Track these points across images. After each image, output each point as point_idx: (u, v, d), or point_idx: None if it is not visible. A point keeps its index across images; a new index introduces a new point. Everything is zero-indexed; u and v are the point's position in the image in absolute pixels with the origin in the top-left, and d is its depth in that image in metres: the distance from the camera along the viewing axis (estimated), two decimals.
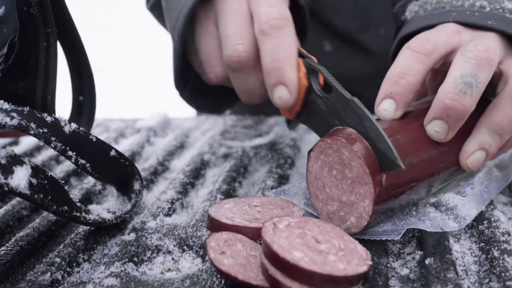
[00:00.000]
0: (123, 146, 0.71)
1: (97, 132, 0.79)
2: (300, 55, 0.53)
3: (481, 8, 0.52)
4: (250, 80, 0.55)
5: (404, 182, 0.45)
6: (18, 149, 0.71)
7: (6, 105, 0.43)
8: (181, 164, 0.64)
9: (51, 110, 0.53)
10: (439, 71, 0.53)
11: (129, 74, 3.43)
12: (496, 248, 0.42)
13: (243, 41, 0.53)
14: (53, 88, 0.53)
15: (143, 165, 0.63)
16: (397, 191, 0.45)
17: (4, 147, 0.71)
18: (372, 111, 0.79)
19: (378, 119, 0.48)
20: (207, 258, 0.43)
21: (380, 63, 0.77)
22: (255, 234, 0.43)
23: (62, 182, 0.44)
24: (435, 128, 0.47)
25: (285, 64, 0.51)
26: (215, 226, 0.45)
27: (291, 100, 0.52)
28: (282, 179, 0.57)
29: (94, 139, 0.47)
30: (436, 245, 0.44)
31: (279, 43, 0.52)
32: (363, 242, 0.44)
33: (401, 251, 0.45)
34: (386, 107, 0.48)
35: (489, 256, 0.43)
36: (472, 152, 0.49)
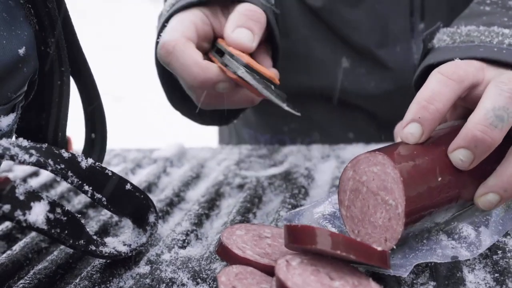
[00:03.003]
0: (140, 177, 0.72)
1: (114, 162, 0.80)
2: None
3: (510, 46, 0.53)
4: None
5: (423, 207, 0.46)
6: (38, 180, 0.73)
7: (25, 142, 0.44)
8: (196, 194, 0.65)
9: (61, 147, 0.55)
10: (458, 103, 0.54)
11: (148, 102, 3.48)
12: (511, 279, 0.42)
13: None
14: (64, 125, 0.54)
15: (159, 196, 0.64)
16: (416, 217, 0.45)
17: (24, 179, 0.73)
18: (386, 128, 0.81)
19: (399, 143, 0.49)
20: None
21: (397, 80, 0.79)
22: (265, 270, 0.43)
23: (79, 215, 0.46)
24: (460, 157, 0.47)
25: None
26: (225, 253, 0.45)
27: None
28: None
29: (110, 174, 0.48)
30: (449, 275, 0.44)
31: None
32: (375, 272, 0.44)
33: (414, 281, 0.45)
34: (413, 131, 0.48)
35: (503, 287, 0.42)
36: (485, 194, 0.48)
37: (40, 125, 0.54)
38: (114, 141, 0.76)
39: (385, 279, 0.44)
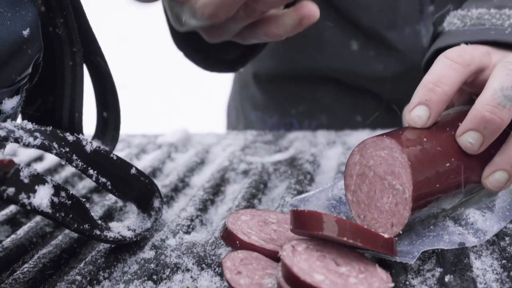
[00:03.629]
0: (145, 162, 0.72)
1: (119, 147, 0.80)
2: None
3: None
4: None
5: (430, 192, 0.45)
6: (42, 165, 0.73)
7: (29, 125, 0.44)
8: (201, 180, 0.65)
9: (78, 127, 0.55)
10: (465, 88, 0.53)
11: (153, 89, 3.48)
12: None
13: None
14: (80, 106, 0.54)
15: (164, 181, 0.64)
16: (423, 202, 0.45)
17: (28, 164, 0.73)
18: (394, 111, 0.81)
19: (406, 127, 0.48)
20: None
21: (405, 63, 0.78)
22: (270, 256, 0.43)
23: (84, 200, 0.45)
24: (469, 139, 0.46)
25: None
26: (230, 239, 0.45)
27: None
28: None
29: (115, 158, 0.48)
30: (456, 262, 0.44)
31: None
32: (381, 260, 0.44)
33: (420, 267, 0.45)
34: (420, 114, 0.47)
35: (511, 274, 0.42)
36: (493, 172, 0.48)
37: (54, 107, 0.54)
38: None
39: (392, 265, 0.44)
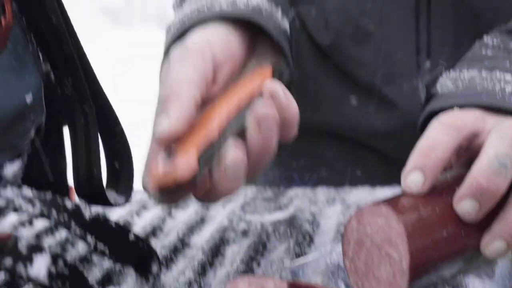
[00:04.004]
0: (145, 220, 0.72)
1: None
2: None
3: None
4: None
5: (429, 261, 0.45)
6: (43, 223, 0.73)
7: (29, 193, 0.44)
8: (201, 240, 0.65)
9: (98, 182, 0.55)
10: (462, 152, 0.54)
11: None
12: None
13: None
14: (98, 162, 0.54)
15: (164, 241, 0.64)
16: (421, 271, 0.45)
17: (30, 221, 0.73)
18: (394, 166, 0.81)
19: (402, 193, 0.49)
20: None
21: (404, 118, 0.79)
22: None
23: (82, 267, 0.45)
24: (466, 207, 0.46)
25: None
26: None
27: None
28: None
29: (113, 225, 0.48)
30: None
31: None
32: None
33: None
34: (415, 180, 0.47)
35: None
36: (492, 241, 0.48)
37: (63, 170, 0.55)
38: None
39: None
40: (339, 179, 0.85)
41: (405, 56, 0.79)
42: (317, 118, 0.84)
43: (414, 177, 0.48)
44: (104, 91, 0.56)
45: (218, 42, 0.52)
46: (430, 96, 0.59)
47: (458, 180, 0.49)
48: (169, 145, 0.45)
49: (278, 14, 0.60)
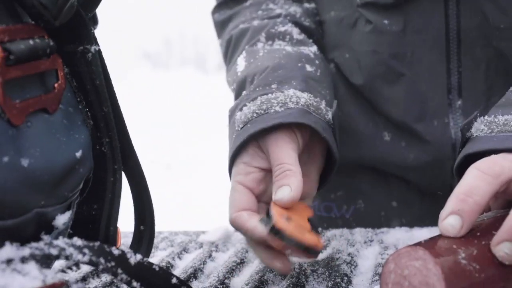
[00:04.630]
0: (186, 262, 0.74)
1: (162, 246, 0.83)
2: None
3: None
4: None
5: None
6: (88, 267, 0.75)
7: (79, 242, 0.47)
8: (241, 282, 0.66)
9: (112, 240, 0.58)
10: (499, 195, 0.54)
11: (193, 170, 3.55)
12: None
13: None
14: (115, 220, 0.57)
15: (205, 284, 0.65)
16: None
17: (77, 264, 0.76)
18: (427, 198, 0.85)
19: (439, 235, 0.49)
20: None
21: (434, 153, 0.82)
22: None
23: None
24: (505, 250, 0.47)
25: None
26: None
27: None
28: None
29: (157, 269, 0.50)
30: None
31: None
32: None
33: None
34: (452, 223, 0.49)
35: None
36: None
37: (93, 219, 0.58)
38: (161, 218, 0.78)
39: None
40: (375, 209, 0.89)
41: (436, 95, 0.81)
42: (353, 153, 0.88)
43: (451, 220, 0.49)
44: (137, 157, 0.60)
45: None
46: (465, 140, 0.60)
47: (496, 223, 0.50)
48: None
49: (323, 106, 0.70)
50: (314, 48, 0.82)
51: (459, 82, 0.80)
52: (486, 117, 0.59)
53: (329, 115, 0.70)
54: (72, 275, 0.70)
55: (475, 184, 0.50)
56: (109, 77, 0.55)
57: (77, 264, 0.77)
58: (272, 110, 0.67)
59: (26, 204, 0.46)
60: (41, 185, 0.47)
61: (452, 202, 0.50)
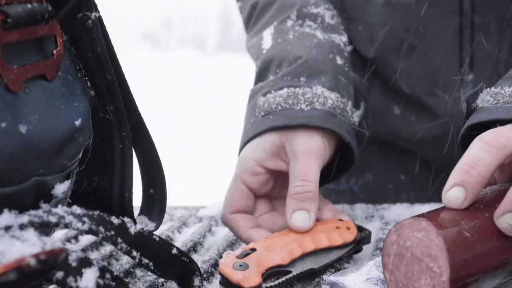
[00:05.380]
0: (186, 236, 0.74)
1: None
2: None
3: None
4: None
5: (469, 275, 0.45)
6: (89, 238, 0.75)
7: (78, 210, 0.46)
8: None
9: (128, 206, 0.58)
10: (505, 167, 0.54)
11: (192, 151, 3.56)
12: None
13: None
14: (130, 186, 0.57)
15: (204, 257, 0.65)
16: (461, 284, 0.45)
17: (76, 237, 0.76)
18: (436, 172, 0.84)
19: (443, 207, 0.49)
20: None
21: (445, 127, 0.82)
22: None
23: (127, 280, 0.47)
24: (508, 221, 0.47)
25: None
26: None
27: None
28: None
29: (157, 239, 0.50)
30: None
31: None
32: None
33: None
34: (456, 195, 0.48)
35: None
36: None
37: (105, 188, 0.57)
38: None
39: None
40: (383, 183, 0.89)
41: (448, 70, 0.81)
42: (363, 127, 0.87)
43: (455, 192, 0.48)
44: (143, 119, 0.59)
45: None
46: (470, 111, 0.59)
47: (500, 196, 0.49)
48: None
49: (349, 108, 0.69)
50: (344, 38, 0.80)
51: (471, 56, 0.80)
52: (492, 88, 0.58)
53: (354, 118, 0.70)
54: (71, 248, 0.69)
55: (479, 156, 0.49)
56: (111, 44, 0.54)
57: (76, 237, 0.77)
58: (298, 107, 0.66)
59: (24, 172, 0.46)
60: (40, 153, 0.46)
61: (456, 174, 0.49)
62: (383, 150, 0.90)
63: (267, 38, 0.78)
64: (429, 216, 0.47)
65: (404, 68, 0.83)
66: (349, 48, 0.80)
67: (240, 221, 0.64)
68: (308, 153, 0.63)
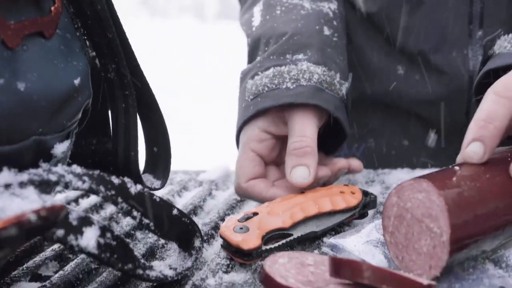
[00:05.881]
0: (186, 199, 0.74)
1: None
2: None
3: None
4: None
5: (469, 235, 0.45)
6: (89, 201, 0.75)
7: (78, 169, 0.46)
8: None
9: (134, 166, 0.57)
10: None
11: (195, 121, 3.54)
12: None
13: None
14: (135, 145, 0.57)
15: (205, 219, 0.65)
16: (462, 245, 0.45)
17: (76, 200, 0.76)
18: (439, 138, 0.83)
19: (443, 169, 0.49)
20: None
21: (451, 85, 0.80)
22: None
23: (128, 237, 0.47)
24: None
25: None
26: (268, 282, 0.46)
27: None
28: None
29: (158, 200, 0.50)
30: None
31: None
32: None
33: None
34: (475, 150, 0.49)
35: None
36: None
37: (109, 148, 0.57)
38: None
39: None
40: (386, 148, 0.88)
41: (457, 25, 0.79)
42: (364, 89, 0.86)
43: (474, 147, 0.49)
44: (145, 77, 0.58)
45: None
46: (487, 57, 0.59)
47: (501, 158, 0.49)
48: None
49: (336, 80, 0.68)
50: (334, 5, 0.78)
51: (481, 11, 0.78)
52: (510, 34, 0.58)
53: (343, 90, 0.68)
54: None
55: (493, 109, 0.50)
56: (111, 2, 0.53)
57: (76, 200, 0.77)
58: (284, 86, 0.66)
59: (23, 131, 0.45)
60: (39, 111, 0.46)
61: (472, 130, 0.50)
62: (385, 113, 0.89)
63: (257, 15, 0.77)
64: (430, 177, 0.47)
65: (410, 23, 0.81)
66: (338, 15, 0.77)
67: (257, 185, 0.65)
68: (303, 115, 0.64)
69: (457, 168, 0.49)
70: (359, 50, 0.85)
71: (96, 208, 0.73)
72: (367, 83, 0.86)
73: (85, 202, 0.75)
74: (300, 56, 0.68)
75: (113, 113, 0.56)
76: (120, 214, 0.71)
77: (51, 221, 0.37)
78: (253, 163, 0.66)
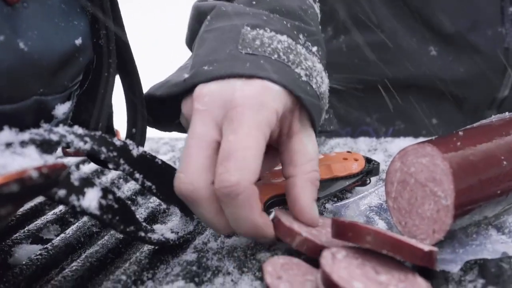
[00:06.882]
0: None
1: (163, 151, 0.82)
2: None
3: None
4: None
5: (473, 200, 0.45)
6: (90, 167, 0.75)
7: (80, 130, 0.46)
8: None
9: (112, 133, 0.56)
10: None
11: None
12: None
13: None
14: (105, 116, 0.53)
15: None
16: (465, 209, 0.45)
17: (77, 165, 0.76)
18: (472, 113, 0.84)
19: (447, 134, 0.49)
20: None
21: (486, 63, 0.82)
22: (312, 250, 0.44)
23: (129, 202, 0.47)
24: None
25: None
26: (280, 228, 0.46)
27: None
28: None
29: (160, 162, 0.49)
30: (499, 273, 0.43)
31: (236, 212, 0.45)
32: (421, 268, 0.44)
33: (462, 278, 0.44)
34: None
35: None
36: None
37: (85, 115, 0.55)
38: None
39: (433, 274, 0.43)
40: (415, 129, 0.88)
41: (490, 3, 0.80)
42: (396, 72, 0.86)
43: None
44: (130, 48, 0.55)
45: None
46: None
47: (506, 122, 0.49)
48: None
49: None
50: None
51: None
52: None
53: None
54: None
55: None
56: None
57: (77, 166, 0.77)
58: (297, 71, 0.50)
59: (24, 90, 0.44)
60: (39, 71, 0.45)
61: None
62: (415, 94, 0.88)
63: None
64: (434, 141, 0.47)
65: (445, 4, 0.81)
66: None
67: None
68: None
69: (461, 133, 0.48)
70: (390, 33, 0.85)
71: (97, 173, 0.73)
72: (398, 66, 0.85)
73: (86, 168, 0.75)
74: (314, 49, 0.54)
75: (96, 81, 0.52)
76: (121, 180, 0.70)
77: (53, 180, 0.37)
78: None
